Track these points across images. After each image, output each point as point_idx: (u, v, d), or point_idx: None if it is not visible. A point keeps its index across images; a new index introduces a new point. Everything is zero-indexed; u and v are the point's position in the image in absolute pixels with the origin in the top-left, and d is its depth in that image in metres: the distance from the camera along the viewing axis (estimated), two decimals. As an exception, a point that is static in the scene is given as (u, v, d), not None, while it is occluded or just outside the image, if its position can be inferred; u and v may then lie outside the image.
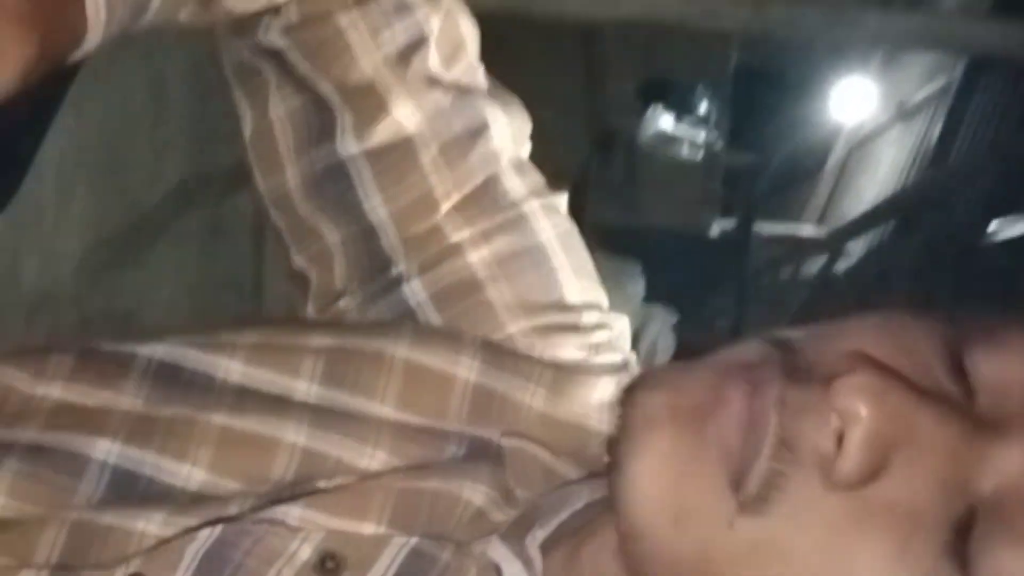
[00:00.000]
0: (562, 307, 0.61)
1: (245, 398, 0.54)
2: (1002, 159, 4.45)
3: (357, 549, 0.50)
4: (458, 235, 0.60)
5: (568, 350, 0.60)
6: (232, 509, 0.50)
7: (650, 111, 5.02)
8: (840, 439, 0.40)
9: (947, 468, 0.41)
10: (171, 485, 0.51)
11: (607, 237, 4.76)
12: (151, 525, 0.50)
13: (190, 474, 0.52)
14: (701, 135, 5.18)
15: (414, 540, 0.50)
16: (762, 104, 7.05)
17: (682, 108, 5.09)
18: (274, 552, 0.49)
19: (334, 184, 0.60)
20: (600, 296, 0.63)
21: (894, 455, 0.40)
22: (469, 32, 0.63)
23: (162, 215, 1.75)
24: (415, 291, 0.60)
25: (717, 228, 5.72)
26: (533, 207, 0.61)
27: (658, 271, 4.64)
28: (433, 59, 0.61)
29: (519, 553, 0.50)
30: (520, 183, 0.62)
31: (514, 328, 0.60)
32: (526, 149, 0.64)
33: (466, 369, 0.57)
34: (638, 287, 4.57)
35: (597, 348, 0.61)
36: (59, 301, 1.53)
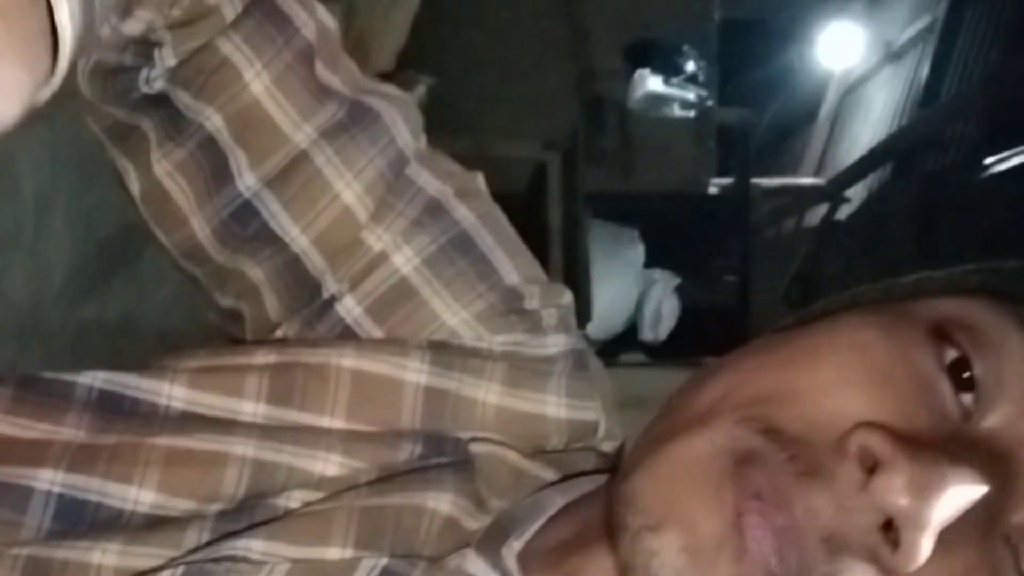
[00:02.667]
0: (500, 289, 0.59)
1: (190, 422, 0.53)
2: (992, 92, 4.41)
3: None
4: (380, 243, 0.58)
5: (516, 334, 0.58)
6: (189, 538, 0.49)
7: (637, 75, 4.98)
8: (886, 527, 0.40)
9: (984, 520, 0.41)
10: (120, 509, 0.50)
11: (603, 205, 4.75)
12: (107, 557, 0.48)
13: (138, 496, 0.50)
14: (691, 94, 5.14)
15: (384, 560, 0.49)
16: (750, 57, 6.99)
17: (669, 69, 5.05)
18: None
19: (246, 225, 0.58)
20: (537, 271, 0.61)
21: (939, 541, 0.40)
22: (336, 28, 0.61)
23: (150, 220, 1.74)
24: (349, 308, 0.58)
25: (715, 186, 5.68)
26: (448, 197, 0.59)
27: (658, 235, 4.62)
28: (319, 67, 0.59)
29: (496, 564, 0.49)
30: (430, 176, 0.60)
31: (455, 321, 0.58)
32: (424, 138, 0.61)
33: (415, 373, 0.55)
34: (638, 254, 4.56)
35: (546, 330, 0.59)
36: (50, 316, 1.53)
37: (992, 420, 0.44)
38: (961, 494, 0.40)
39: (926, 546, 0.39)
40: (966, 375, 0.45)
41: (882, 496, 0.40)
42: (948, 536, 0.40)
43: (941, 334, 0.45)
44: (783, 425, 0.43)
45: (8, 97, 0.36)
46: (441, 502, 0.51)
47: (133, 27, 0.52)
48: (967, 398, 0.44)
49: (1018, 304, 0.47)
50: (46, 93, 0.40)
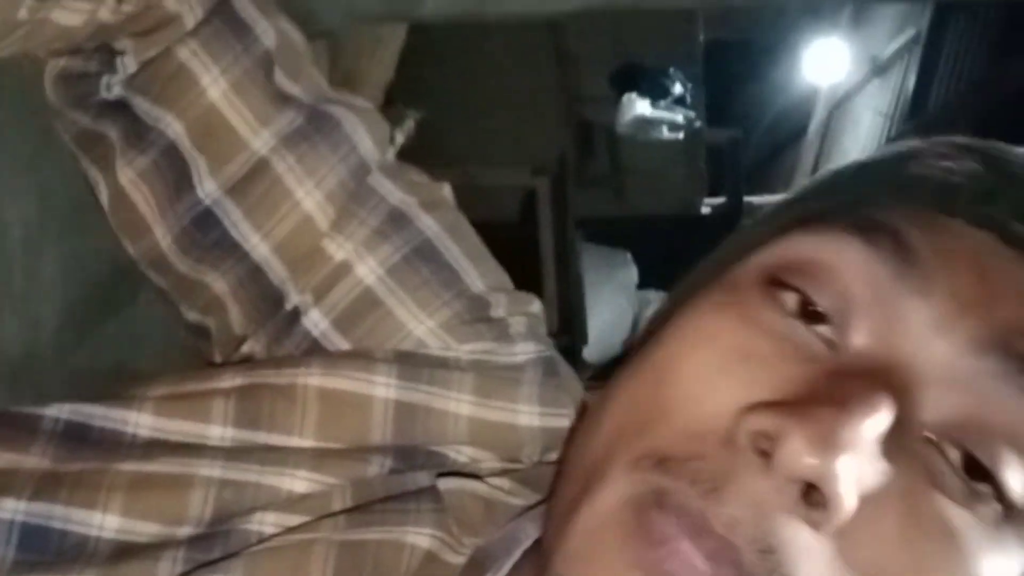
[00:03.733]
0: (465, 297, 0.58)
1: (156, 447, 0.52)
2: (980, 101, 4.44)
3: None
4: (342, 252, 0.58)
5: (484, 342, 0.58)
6: (163, 570, 0.48)
7: (625, 99, 5.01)
8: (806, 496, 0.40)
9: (897, 434, 0.41)
10: (85, 536, 0.50)
11: (595, 229, 4.76)
12: None
13: (103, 522, 0.50)
14: (679, 116, 5.16)
15: None
16: (737, 76, 7.04)
17: (656, 92, 5.08)
18: None
19: (206, 233, 0.58)
20: (505, 281, 0.61)
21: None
22: (302, 41, 0.62)
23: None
24: (315, 321, 0.58)
25: (708, 206, 5.70)
26: (411, 206, 0.59)
27: (652, 256, 4.63)
28: (279, 75, 0.59)
29: None
30: (393, 186, 0.60)
31: (421, 331, 0.58)
32: (391, 151, 0.61)
33: (383, 388, 0.55)
34: (631, 275, 4.57)
35: (514, 338, 0.59)
36: (42, 362, 1.52)
37: (857, 339, 0.43)
38: (862, 430, 0.40)
39: (851, 492, 0.39)
40: (814, 309, 0.44)
41: (790, 467, 0.39)
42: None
43: (773, 283, 0.45)
44: (671, 450, 0.42)
45: None
46: (420, 537, 0.50)
47: (70, 19, 0.52)
48: (825, 329, 0.44)
49: (851, 215, 0.46)
50: None
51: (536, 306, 0.62)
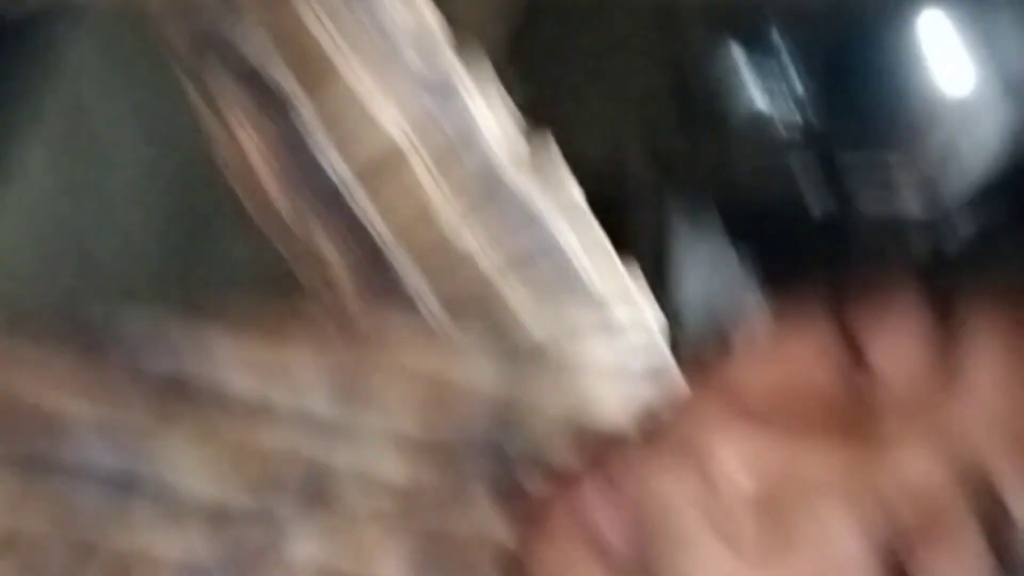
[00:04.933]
0: (587, 303, 0.59)
1: (255, 414, 0.53)
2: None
3: None
4: (465, 244, 0.58)
5: (601, 351, 0.58)
6: (250, 537, 0.49)
7: (735, 81, 4.93)
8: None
9: (844, 502, 0.40)
10: (177, 497, 0.50)
11: (699, 218, 4.68)
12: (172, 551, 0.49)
13: (196, 487, 0.50)
14: (795, 109, 5.07)
15: None
16: (859, 67, 6.85)
17: (771, 78, 4.99)
18: None
19: (329, 211, 0.59)
20: (627, 287, 0.61)
21: (792, 513, 0.39)
22: (436, 20, 0.61)
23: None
24: (431, 308, 0.58)
25: (817, 206, 5.61)
26: (540, 203, 0.59)
27: (756, 252, 4.53)
28: (413, 60, 0.59)
29: None
30: (523, 182, 0.60)
31: (540, 333, 0.58)
32: (524, 144, 0.61)
33: (489, 381, 0.55)
34: (728, 259, 4.48)
35: (634, 350, 0.59)
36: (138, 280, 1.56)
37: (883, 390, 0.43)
38: (794, 459, 0.39)
39: (753, 520, 0.38)
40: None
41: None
42: (808, 516, 0.39)
43: None
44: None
45: None
46: (508, 535, 0.49)
47: None
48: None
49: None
50: None
51: (655, 315, 0.62)
